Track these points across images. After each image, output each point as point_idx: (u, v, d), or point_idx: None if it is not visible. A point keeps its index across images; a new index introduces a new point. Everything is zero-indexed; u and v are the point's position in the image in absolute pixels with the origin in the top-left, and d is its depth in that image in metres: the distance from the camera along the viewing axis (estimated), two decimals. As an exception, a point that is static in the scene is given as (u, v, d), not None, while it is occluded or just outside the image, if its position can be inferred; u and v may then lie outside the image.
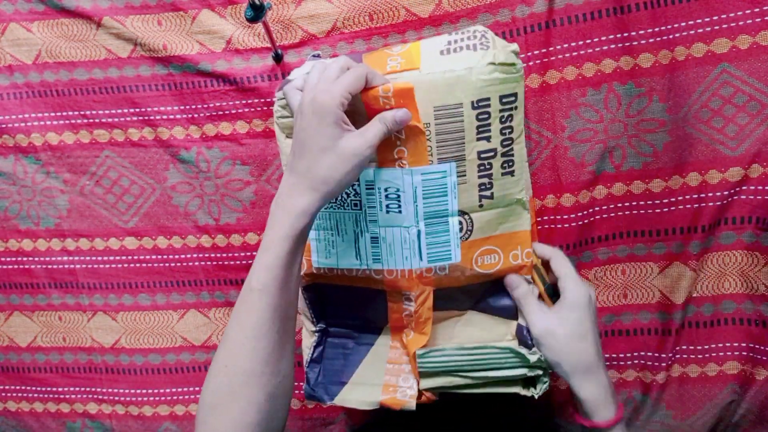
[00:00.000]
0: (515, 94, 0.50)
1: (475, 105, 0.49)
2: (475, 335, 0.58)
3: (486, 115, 0.49)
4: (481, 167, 0.51)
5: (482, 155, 0.51)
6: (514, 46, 0.51)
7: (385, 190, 0.52)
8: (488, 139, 0.50)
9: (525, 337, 0.54)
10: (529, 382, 0.56)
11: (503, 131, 0.50)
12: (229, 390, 0.45)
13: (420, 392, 0.57)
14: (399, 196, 0.52)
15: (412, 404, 0.56)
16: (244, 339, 0.46)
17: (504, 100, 0.49)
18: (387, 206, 0.52)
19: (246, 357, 0.46)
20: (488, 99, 0.49)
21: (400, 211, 0.52)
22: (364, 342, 0.60)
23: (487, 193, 0.52)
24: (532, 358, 0.53)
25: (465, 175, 0.51)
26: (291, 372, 0.50)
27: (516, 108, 0.50)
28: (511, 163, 0.52)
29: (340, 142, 0.46)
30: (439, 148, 0.50)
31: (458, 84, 0.48)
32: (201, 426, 0.45)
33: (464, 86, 0.48)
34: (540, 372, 0.55)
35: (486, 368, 0.55)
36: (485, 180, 0.52)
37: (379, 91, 0.49)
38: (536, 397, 0.55)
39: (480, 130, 0.50)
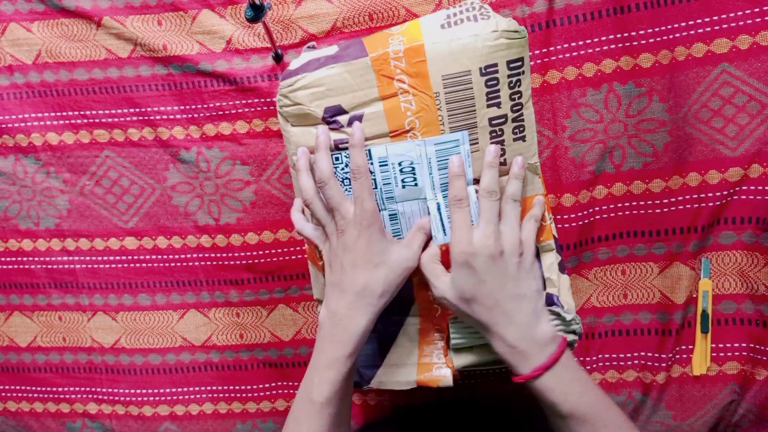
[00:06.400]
0: (521, 59, 0.50)
1: (483, 71, 0.49)
2: None
3: (494, 81, 0.49)
4: (493, 134, 0.51)
5: (493, 122, 0.51)
6: (511, 20, 0.51)
7: (399, 164, 0.52)
8: (498, 105, 0.50)
9: (556, 305, 0.54)
10: None
11: (512, 96, 0.50)
12: None
13: (453, 370, 0.57)
14: (413, 169, 0.52)
15: (449, 380, 0.56)
16: None
17: (511, 65, 0.49)
18: (402, 180, 0.52)
19: None
20: (495, 65, 0.49)
21: (416, 184, 0.52)
22: (393, 324, 0.59)
23: (501, 159, 0.52)
24: (568, 317, 0.53)
25: (477, 143, 0.51)
26: None
27: (523, 73, 0.51)
28: (522, 128, 0.52)
29: (391, 256, 0.50)
30: (451, 117, 0.50)
31: (465, 51, 0.49)
32: None
33: (471, 53, 0.49)
34: (575, 337, 0.54)
35: None
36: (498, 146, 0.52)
37: (390, 53, 0.49)
38: None
39: (489, 96, 0.50)
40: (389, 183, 0.52)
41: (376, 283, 0.49)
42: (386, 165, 0.52)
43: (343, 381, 0.49)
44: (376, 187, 0.52)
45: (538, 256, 0.56)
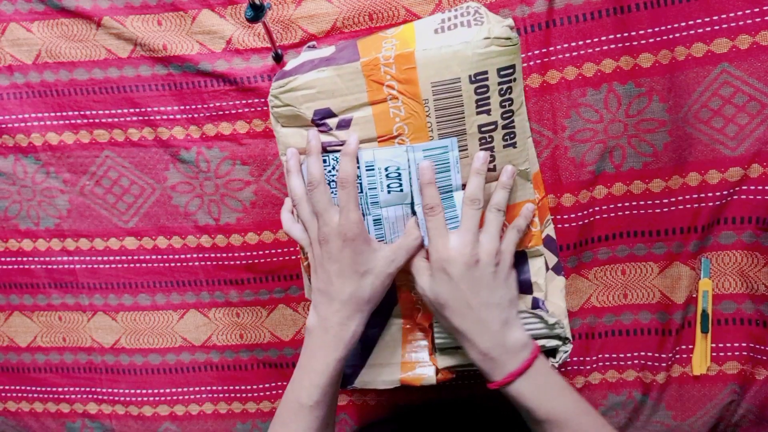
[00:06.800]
0: (513, 66, 0.50)
1: (473, 79, 0.49)
2: None
3: (485, 89, 0.49)
4: (483, 140, 0.51)
5: (483, 129, 0.51)
6: (509, 21, 0.51)
7: (386, 169, 0.52)
8: (488, 112, 0.50)
9: (541, 309, 0.54)
10: (548, 354, 0.56)
11: (503, 104, 0.50)
12: None
13: (437, 369, 0.57)
14: (399, 175, 0.52)
15: (432, 378, 0.57)
16: None
17: (502, 73, 0.49)
18: (388, 186, 0.52)
19: None
20: (486, 72, 0.49)
21: (401, 190, 0.52)
22: (376, 325, 0.59)
23: (490, 165, 0.52)
24: (551, 320, 0.53)
25: (466, 150, 0.51)
26: None
27: (515, 80, 0.50)
28: (512, 135, 0.52)
29: (377, 263, 0.50)
30: (440, 123, 0.50)
31: (455, 59, 0.49)
32: None
33: (461, 61, 0.49)
34: (559, 342, 0.55)
35: None
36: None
37: (380, 59, 0.49)
38: (556, 366, 0.55)
39: (479, 103, 0.50)
40: (375, 188, 0.52)
41: (363, 290, 0.50)
42: (373, 170, 0.52)
43: (332, 384, 0.51)
44: (361, 192, 0.52)
45: (525, 262, 0.56)
